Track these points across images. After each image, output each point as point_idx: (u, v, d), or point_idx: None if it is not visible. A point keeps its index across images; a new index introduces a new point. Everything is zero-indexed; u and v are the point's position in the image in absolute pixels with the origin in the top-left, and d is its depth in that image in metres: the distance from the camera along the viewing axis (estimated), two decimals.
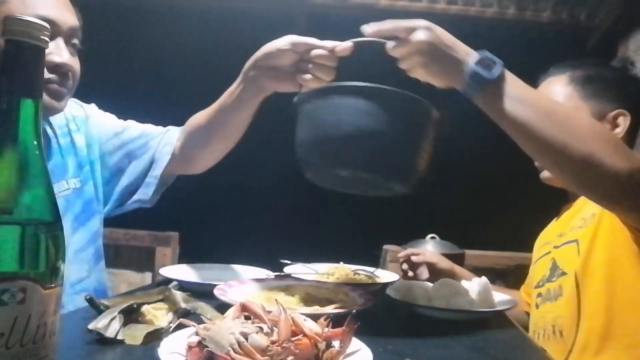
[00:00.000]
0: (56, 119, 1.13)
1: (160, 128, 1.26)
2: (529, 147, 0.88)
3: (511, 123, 0.86)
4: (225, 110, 1.12)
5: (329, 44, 0.96)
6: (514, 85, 0.87)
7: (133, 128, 1.24)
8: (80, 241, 1.12)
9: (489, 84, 0.85)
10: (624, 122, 1.17)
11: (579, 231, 1.12)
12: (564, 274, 1.13)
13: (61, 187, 1.09)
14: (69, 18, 1.02)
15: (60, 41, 1.00)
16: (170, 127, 1.25)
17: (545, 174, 1.24)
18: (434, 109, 0.89)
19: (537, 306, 1.22)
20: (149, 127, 1.25)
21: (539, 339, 1.16)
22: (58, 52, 0.99)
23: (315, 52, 0.95)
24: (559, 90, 1.21)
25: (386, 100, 0.85)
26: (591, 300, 1.04)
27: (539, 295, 1.21)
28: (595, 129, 0.90)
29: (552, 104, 0.90)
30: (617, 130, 1.16)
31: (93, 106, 1.25)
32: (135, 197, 1.22)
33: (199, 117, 1.19)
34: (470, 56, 0.87)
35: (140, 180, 1.21)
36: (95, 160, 1.19)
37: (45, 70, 0.93)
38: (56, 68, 0.99)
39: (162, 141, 1.22)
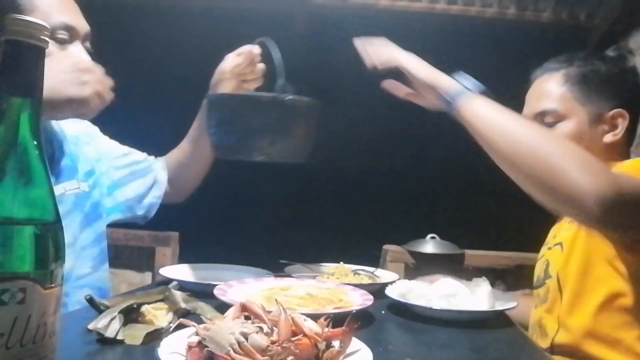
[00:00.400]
0: (70, 129, 1.20)
1: (152, 157, 1.40)
2: (501, 153, 0.91)
3: (490, 130, 0.91)
4: (198, 140, 1.30)
5: (244, 55, 1.19)
6: (489, 99, 0.94)
7: (137, 153, 1.36)
8: (87, 239, 1.17)
9: (472, 93, 0.94)
10: (622, 122, 1.15)
11: (565, 234, 1.13)
12: (550, 276, 1.14)
13: (72, 185, 1.14)
14: (84, 23, 1.10)
15: (79, 44, 1.07)
16: (159, 158, 1.38)
17: None
18: (304, 102, 1.07)
19: (535, 306, 1.23)
20: (147, 155, 1.38)
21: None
22: (80, 54, 1.06)
23: (237, 69, 1.20)
24: (553, 89, 1.19)
25: (264, 104, 1.04)
26: (569, 303, 1.06)
27: (538, 295, 1.22)
28: (569, 144, 0.91)
29: (523, 118, 0.98)
30: (616, 130, 1.15)
31: (97, 129, 1.35)
32: (142, 213, 1.34)
33: (176, 154, 1.36)
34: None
35: (142, 197, 1.32)
36: (104, 173, 1.27)
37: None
38: None
39: (159, 166, 1.36)
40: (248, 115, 1.03)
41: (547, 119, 1.16)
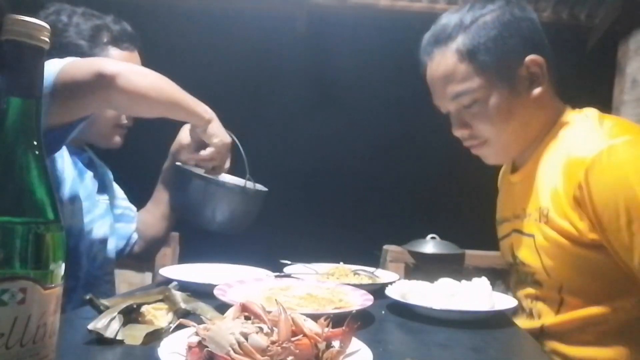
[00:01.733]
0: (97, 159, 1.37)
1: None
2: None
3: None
4: (160, 202, 1.41)
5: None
6: None
7: (130, 204, 1.45)
8: (111, 243, 1.30)
9: None
10: (539, 69, 1.05)
11: (534, 224, 1.07)
12: (528, 266, 1.10)
13: (104, 197, 1.31)
14: None
15: None
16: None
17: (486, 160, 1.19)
18: (263, 192, 1.29)
19: (514, 283, 1.21)
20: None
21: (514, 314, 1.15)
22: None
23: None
24: (453, 69, 1.06)
25: (233, 191, 1.23)
26: (571, 289, 1.04)
27: (515, 271, 1.19)
28: None
29: None
30: (538, 81, 1.05)
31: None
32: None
33: (143, 215, 1.43)
34: None
35: (123, 239, 1.40)
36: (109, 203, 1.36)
37: (124, 118, 1.26)
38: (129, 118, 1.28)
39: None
40: (218, 199, 1.22)
41: (463, 100, 1.07)
